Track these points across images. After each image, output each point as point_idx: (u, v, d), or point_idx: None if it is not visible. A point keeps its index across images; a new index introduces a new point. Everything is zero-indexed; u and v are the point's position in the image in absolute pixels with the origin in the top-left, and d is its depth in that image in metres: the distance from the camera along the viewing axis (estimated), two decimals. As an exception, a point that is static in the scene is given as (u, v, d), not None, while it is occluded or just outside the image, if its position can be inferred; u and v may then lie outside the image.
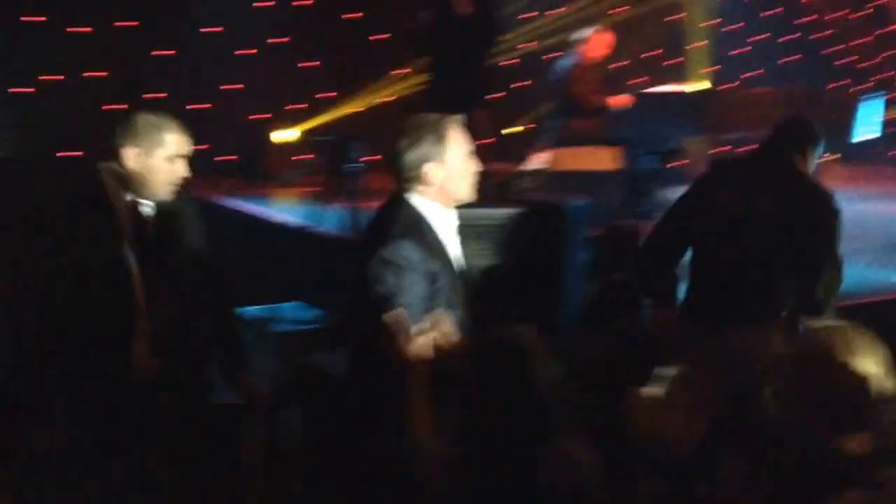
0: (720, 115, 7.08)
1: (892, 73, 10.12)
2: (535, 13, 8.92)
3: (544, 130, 7.25)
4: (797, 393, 1.83)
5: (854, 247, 4.56)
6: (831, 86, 9.19)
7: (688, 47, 9.54)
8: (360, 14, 8.36)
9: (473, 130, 7.20)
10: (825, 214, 3.56)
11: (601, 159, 6.52)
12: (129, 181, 3.01)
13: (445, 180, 2.73)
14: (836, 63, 10.09)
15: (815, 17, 10.15)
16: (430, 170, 2.71)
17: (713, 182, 3.78)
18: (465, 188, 2.79)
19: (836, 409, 1.81)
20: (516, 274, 3.46)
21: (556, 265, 3.88)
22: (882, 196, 7.67)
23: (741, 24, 9.62)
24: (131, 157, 3.00)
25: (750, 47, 9.64)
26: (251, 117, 8.13)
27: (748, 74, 9.42)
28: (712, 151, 8.22)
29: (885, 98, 7.53)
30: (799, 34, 10.03)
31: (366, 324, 2.65)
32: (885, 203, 7.37)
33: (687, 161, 7.95)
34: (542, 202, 4.98)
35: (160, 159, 3.01)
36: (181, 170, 3.05)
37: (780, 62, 9.66)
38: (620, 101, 7.04)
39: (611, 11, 8.94)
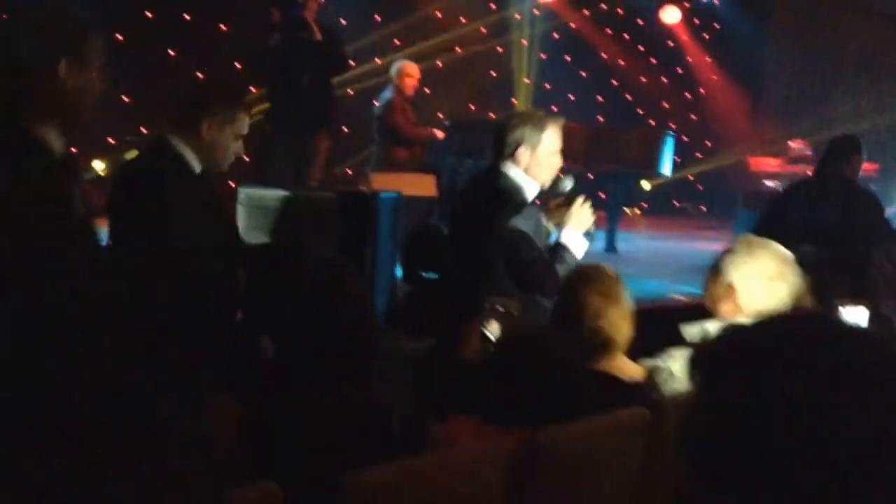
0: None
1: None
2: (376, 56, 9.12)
3: (371, 158, 7.50)
4: None
5: (657, 270, 6.62)
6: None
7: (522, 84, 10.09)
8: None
9: (316, 155, 7.24)
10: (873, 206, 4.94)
11: (419, 186, 6.81)
12: (198, 152, 2.98)
13: (531, 164, 3.20)
14: (641, 111, 11.00)
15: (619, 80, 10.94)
16: (522, 152, 3.20)
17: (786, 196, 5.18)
18: (545, 176, 3.26)
19: None
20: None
21: (366, 249, 4.17)
22: (674, 236, 9.25)
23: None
24: (204, 129, 2.96)
25: (565, 87, 10.28)
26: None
27: (555, 109, 10.07)
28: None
29: (674, 139, 8.34)
30: (611, 83, 10.84)
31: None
32: (676, 241, 8.95)
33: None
34: (354, 190, 5.33)
35: (228, 135, 3.01)
36: (240, 149, 3.09)
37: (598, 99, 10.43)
38: (438, 131, 7.43)
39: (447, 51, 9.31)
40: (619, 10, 10.69)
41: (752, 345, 0.89)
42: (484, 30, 9.84)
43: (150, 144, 3.10)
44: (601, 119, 10.30)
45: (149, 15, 7.73)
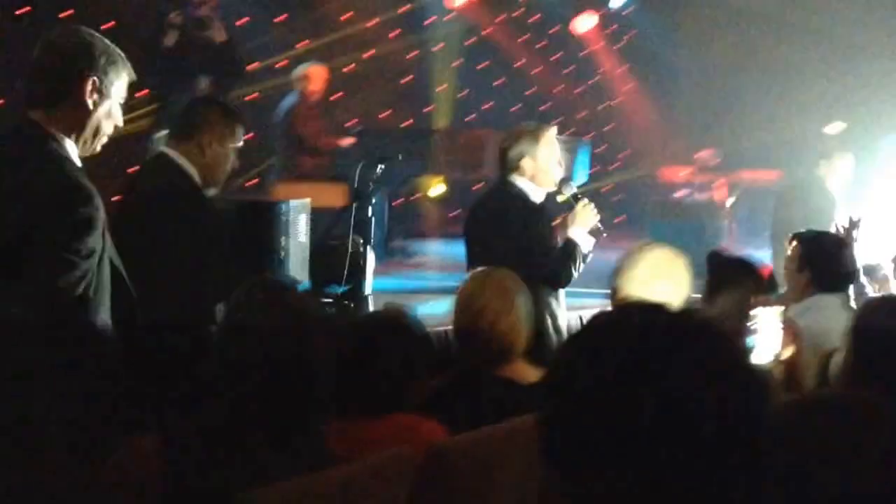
0: (447, 153, 7.53)
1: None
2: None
3: (273, 168, 7.28)
4: None
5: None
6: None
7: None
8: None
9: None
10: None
11: (328, 195, 6.64)
12: (199, 168, 3.03)
13: (536, 173, 3.66)
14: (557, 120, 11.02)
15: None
16: (525, 163, 3.66)
17: None
18: (550, 181, 3.73)
19: None
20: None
21: (268, 262, 4.15)
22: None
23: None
24: (205, 143, 3.00)
25: (478, 93, 10.22)
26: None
27: (470, 118, 10.03)
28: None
29: (589, 148, 8.38)
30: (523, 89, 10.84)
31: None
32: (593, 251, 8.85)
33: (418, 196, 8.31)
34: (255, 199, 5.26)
35: (228, 149, 3.06)
36: (236, 163, 3.14)
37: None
38: (346, 140, 7.25)
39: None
40: (534, 18, 10.71)
41: (582, 336, 0.97)
42: (395, 34, 9.72)
43: (152, 159, 3.19)
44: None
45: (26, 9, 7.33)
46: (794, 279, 3.37)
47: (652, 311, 0.96)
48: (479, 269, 2.79)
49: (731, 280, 2.93)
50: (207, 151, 3.01)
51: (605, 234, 3.90)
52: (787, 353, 2.60)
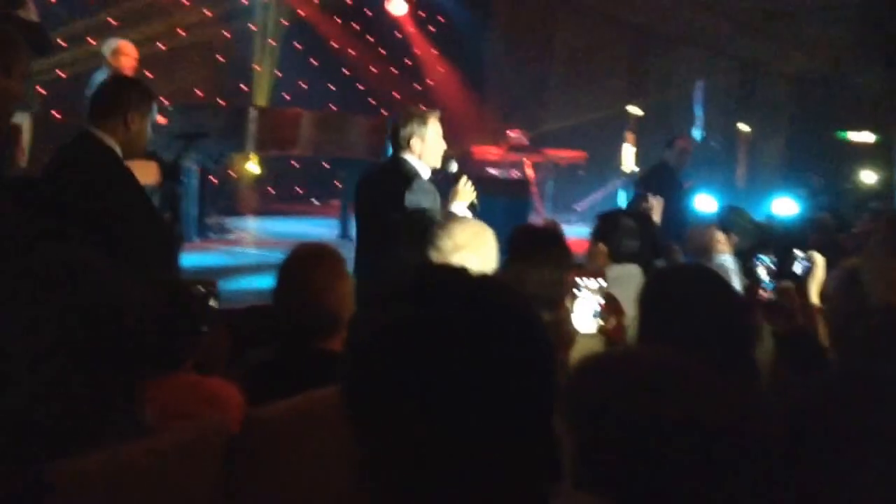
0: (262, 132, 7.48)
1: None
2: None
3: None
4: None
5: None
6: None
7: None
8: None
9: (16, 135, 6.56)
10: None
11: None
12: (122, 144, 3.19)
13: (423, 151, 4.00)
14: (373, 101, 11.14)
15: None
16: (414, 142, 3.99)
17: None
18: (435, 159, 4.06)
19: None
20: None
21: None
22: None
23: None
24: (129, 120, 3.17)
25: (294, 73, 10.17)
26: None
27: (286, 97, 9.98)
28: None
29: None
30: (342, 73, 10.87)
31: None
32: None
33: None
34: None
35: (147, 124, 3.25)
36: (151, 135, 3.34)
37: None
38: (159, 117, 7.04)
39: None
40: (348, 1, 10.77)
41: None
42: (210, 13, 9.50)
43: (75, 137, 3.25)
44: (333, 108, 10.34)
45: None
46: (592, 251, 3.66)
47: (444, 273, 0.98)
48: (305, 243, 2.74)
49: (540, 252, 3.05)
50: (132, 127, 3.20)
51: (477, 209, 4.14)
52: (612, 322, 2.66)
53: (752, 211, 5.43)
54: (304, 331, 2.38)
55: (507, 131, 10.11)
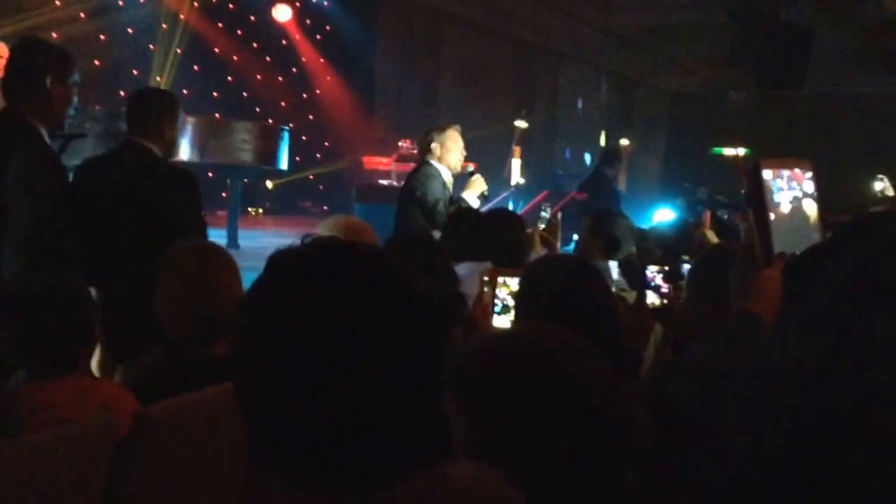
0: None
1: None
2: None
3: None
4: None
5: None
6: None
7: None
8: None
9: None
10: None
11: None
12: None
13: (443, 155, 4.88)
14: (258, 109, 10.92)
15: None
16: (434, 147, 4.89)
17: None
18: (454, 163, 4.91)
19: None
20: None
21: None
22: (299, 234, 9.20)
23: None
24: (48, 84, 2.95)
25: (178, 81, 9.86)
26: None
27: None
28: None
29: (288, 134, 8.43)
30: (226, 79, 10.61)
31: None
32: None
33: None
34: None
35: (71, 86, 3.02)
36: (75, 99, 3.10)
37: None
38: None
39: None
40: (231, 5, 10.51)
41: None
42: (84, 15, 9.09)
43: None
44: (217, 116, 10.06)
45: None
46: (589, 245, 4.08)
47: (326, 248, 0.96)
48: (191, 244, 2.64)
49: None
50: (53, 93, 2.97)
51: (487, 197, 5.02)
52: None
53: (634, 220, 5.66)
54: (195, 334, 2.31)
55: (399, 142, 10.08)
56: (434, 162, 4.93)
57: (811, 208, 1.57)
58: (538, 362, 1.29)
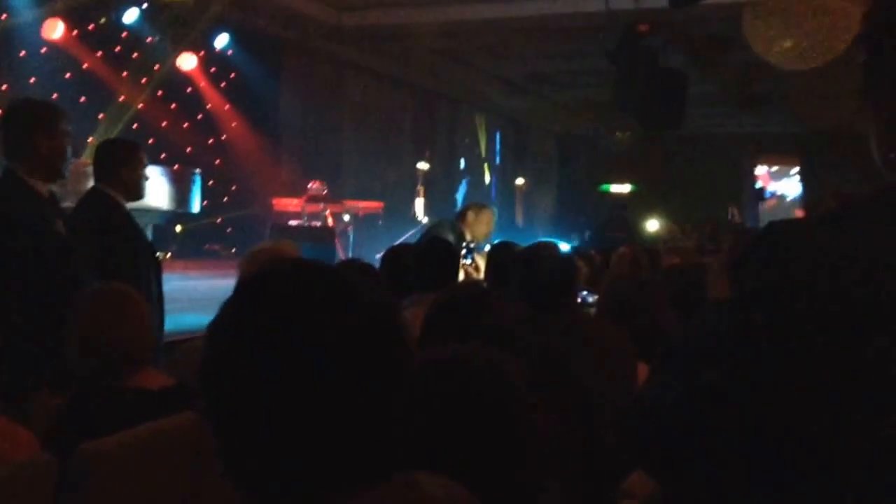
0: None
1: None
2: None
3: None
4: None
5: (193, 306, 6.89)
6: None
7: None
8: None
9: None
10: None
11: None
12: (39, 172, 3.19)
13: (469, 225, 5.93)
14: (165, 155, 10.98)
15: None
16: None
17: None
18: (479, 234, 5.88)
19: None
20: None
21: None
22: (208, 276, 9.47)
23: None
24: (38, 141, 3.17)
25: (82, 130, 9.83)
26: None
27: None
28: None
29: (200, 178, 8.59)
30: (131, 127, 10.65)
31: None
32: (209, 280, 9.20)
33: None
34: None
35: (62, 137, 3.21)
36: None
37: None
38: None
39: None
40: (135, 54, 10.63)
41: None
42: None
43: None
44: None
45: None
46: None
47: (289, 273, 0.99)
48: (96, 286, 2.64)
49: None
50: (43, 149, 3.19)
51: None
52: None
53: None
54: (104, 370, 2.36)
55: (307, 183, 10.35)
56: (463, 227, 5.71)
57: None
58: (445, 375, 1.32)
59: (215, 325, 0.96)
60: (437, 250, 3.81)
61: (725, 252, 4.65)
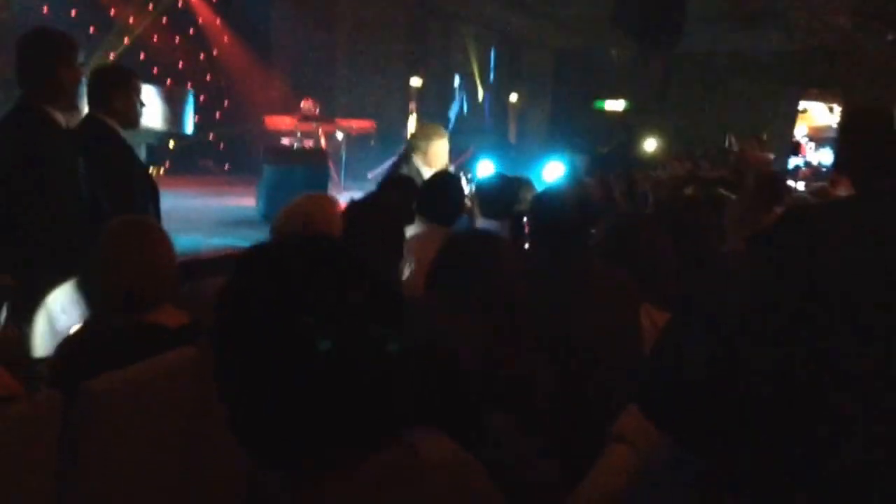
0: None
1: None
2: None
3: None
4: None
5: (188, 226, 6.74)
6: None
7: None
8: None
9: None
10: None
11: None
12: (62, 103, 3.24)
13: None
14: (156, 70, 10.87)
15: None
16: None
17: None
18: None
19: None
20: None
21: None
22: (201, 194, 9.47)
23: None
24: (61, 73, 3.19)
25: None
26: None
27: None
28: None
29: (193, 97, 8.51)
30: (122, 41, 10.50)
31: None
32: (203, 199, 9.21)
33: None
34: None
35: (78, 69, 3.24)
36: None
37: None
38: None
39: None
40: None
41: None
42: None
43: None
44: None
45: None
46: None
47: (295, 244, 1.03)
48: (123, 217, 2.61)
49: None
50: (64, 79, 3.22)
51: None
52: None
53: (524, 173, 6.14)
54: (123, 306, 2.36)
55: (299, 102, 10.26)
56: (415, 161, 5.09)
57: None
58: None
59: (225, 292, 0.99)
60: (446, 183, 3.87)
61: (747, 194, 4.52)
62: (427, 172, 4.96)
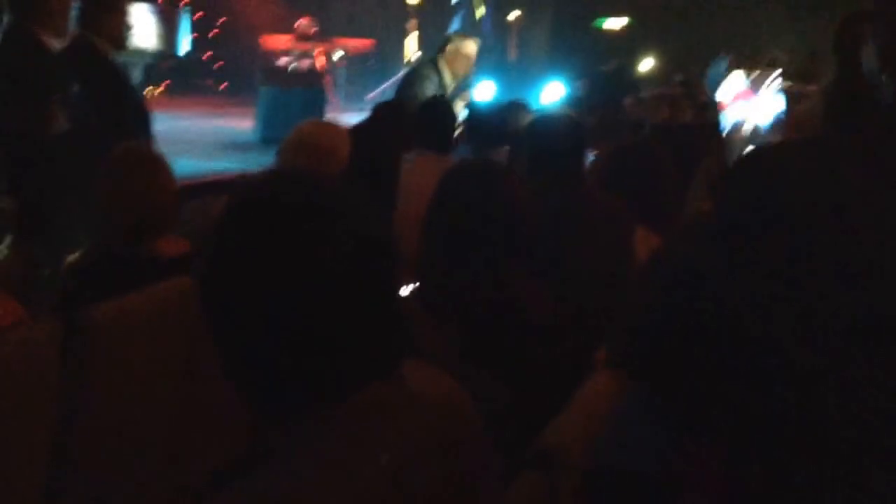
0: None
1: None
2: None
3: None
4: None
5: (187, 148, 6.78)
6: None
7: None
8: None
9: None
10: None
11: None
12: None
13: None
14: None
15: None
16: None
17: None
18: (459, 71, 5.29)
19: None
20: None
21: None
22: (198, 115, 9.42)
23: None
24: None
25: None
26: None
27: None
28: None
29: (189, 16, 8.37)
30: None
31: None
32: (201, 120, 9.16)
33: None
34: None
35: None
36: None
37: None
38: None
39: None
40: None
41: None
42: None
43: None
44: None
45: None
46: None
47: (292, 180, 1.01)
48: (125, 145, 2.59)
49: None
50: (56, 6, 3.28)
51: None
52: None
53: (524, 94, 6.09)
54: (124, 235, 2.38)
55: (295, 22, 10.09)
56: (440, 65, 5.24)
57: None
58: None
59: (215, 229, 0.99)
60: (437, 108, 3.84)
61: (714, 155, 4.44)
62: (449, 78, 5.19)
